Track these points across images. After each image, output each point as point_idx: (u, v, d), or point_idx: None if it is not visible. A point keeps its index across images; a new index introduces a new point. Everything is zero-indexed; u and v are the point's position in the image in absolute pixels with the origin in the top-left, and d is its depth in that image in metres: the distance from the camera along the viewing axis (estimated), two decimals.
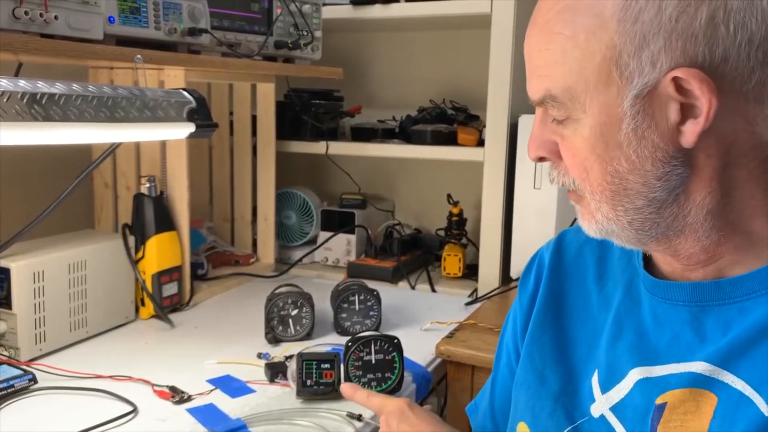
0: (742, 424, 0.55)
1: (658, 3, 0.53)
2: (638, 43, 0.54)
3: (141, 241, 1.35)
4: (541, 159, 0.65)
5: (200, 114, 1.07)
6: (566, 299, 0.73)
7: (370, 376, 1.04)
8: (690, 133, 0.55)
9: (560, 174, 0.64)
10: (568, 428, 0.67)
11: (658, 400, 0.60)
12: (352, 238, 1.78)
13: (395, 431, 0.83)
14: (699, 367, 0.59)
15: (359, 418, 0.97)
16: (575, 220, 1.50)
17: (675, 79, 0.54)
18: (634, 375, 0.63)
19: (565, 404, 0.68)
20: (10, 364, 1.08)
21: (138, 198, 1.37)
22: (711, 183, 0.58)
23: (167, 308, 1.37)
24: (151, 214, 1.35)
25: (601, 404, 0.65)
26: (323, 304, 1.35)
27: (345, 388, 0.95)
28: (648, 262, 0.68)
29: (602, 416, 0.64)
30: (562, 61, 0.57)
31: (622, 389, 0.63)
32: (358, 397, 0.93)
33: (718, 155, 0.57)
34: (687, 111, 0.55)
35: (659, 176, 0.57)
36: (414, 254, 1.77)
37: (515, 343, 0.79)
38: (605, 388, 0.65)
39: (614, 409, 0.64)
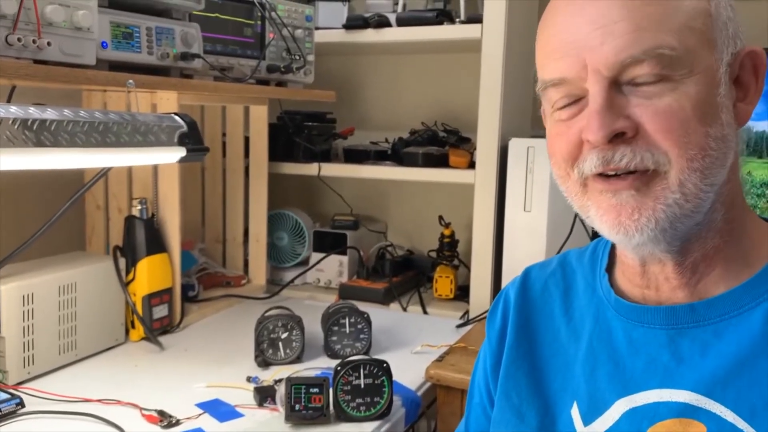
0: None
1: None
2: (726, 18, 0.60)
3: (132, 263, 1.35)
4: (613, 137, 0.58)
5: (191, 138, 1.08)
6: (536, 334, 0.74)
7: (359, 400, 1.04)
8: (744, 112, 0.61)
9: (636, 150, 0.58)
10: None
11: (649, 431, 0.60)
12: (344, 259, 1.79)
13: None
14: (685, 396, 0.59)
15: None
16: (565, 241, 1.51)
17: (746, 56, 0.60)
18: (621, 406, 0.63)
19: None
20: None
21: (129, 220, 1.37)
22: (732, 176, 0.62)
23: (157, 330, 1.37)
24: (142, 236, 1.35)
25: None
26: (314, 327, 1.35)
27: None
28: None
29: None
30: (676, 16, 0.58)
31: (606, 420, 0.63)
32: None
33: (738, 146, 0.62)
34: (738, 93, 0.61)
35: (732, 149, 0.60)
36: (406, 275, 1.77)
37: (486, 382, 0.79)
38: (587, 420, 0.65)
39: None
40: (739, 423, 0.57)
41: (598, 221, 0.61)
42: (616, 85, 0.58)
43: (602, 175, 0.60)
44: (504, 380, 0.74)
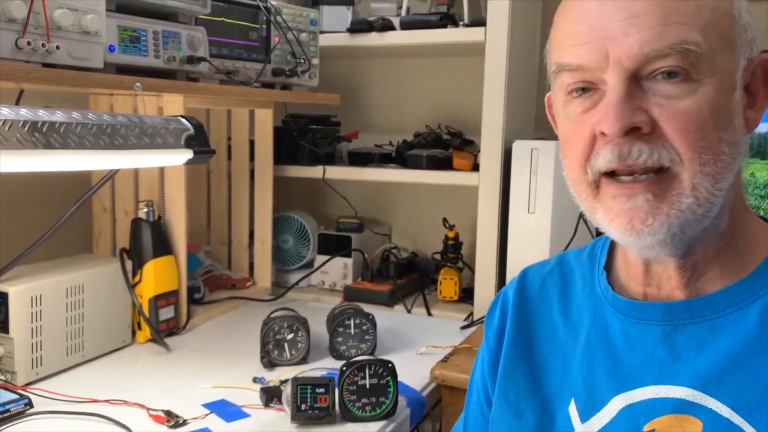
0: None
1: None
2: (745, 23, 0.59)
3: (138, 266, 1.36)
4: (629, 132, 0.57)
5: (198, 141, 1.09)
6: (534, 332, 0.74)
7: (365, 400, 1.04)
8: (753, 119, 0.60)
9: (653, 147, 0.57)
10: None
11: (646, 428, 0.61)
12: (349, 261, 1.79)
13: None
14: (681, 392, 0.60)
15: None
16: (569, 243, 1.51)
17: (759, 64, 0.59)
18: (617, 403, 0.63)
19: None
20: (6, 389, 1.09)
21: (136, 222, 1.38)
22: (735, 180, 0.61)
23: (164, 332, 1.38)
24: (148, 239, 1.36)
25: None
26: (319, 328, 1.36)
27: None
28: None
29: None
30: (699, 16, 0.57)
31: (603, 417, 0.64)
32: None
33: (744, 152, 0.62)
34: (748, 101, 0.60)
35: (741, 154, 0.60)
36: (410, 278, 1.78)
37: (484, 383, 0.80)
38: (585, 417, 0.65)
39: None
40: (735, 418, 0.57)
41: (607, 225, 0.61)
42: (636, 78, 0.57)
43: (615, 180, 0.59)
44: (502, 380, 0.74)
